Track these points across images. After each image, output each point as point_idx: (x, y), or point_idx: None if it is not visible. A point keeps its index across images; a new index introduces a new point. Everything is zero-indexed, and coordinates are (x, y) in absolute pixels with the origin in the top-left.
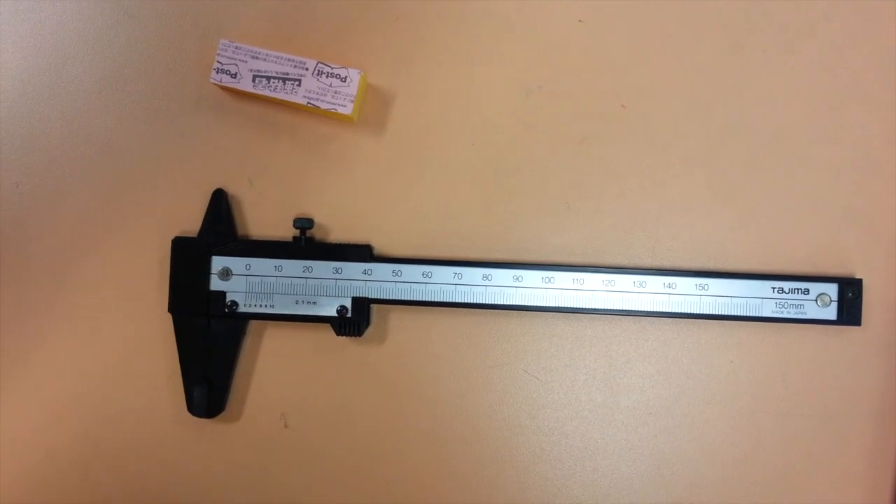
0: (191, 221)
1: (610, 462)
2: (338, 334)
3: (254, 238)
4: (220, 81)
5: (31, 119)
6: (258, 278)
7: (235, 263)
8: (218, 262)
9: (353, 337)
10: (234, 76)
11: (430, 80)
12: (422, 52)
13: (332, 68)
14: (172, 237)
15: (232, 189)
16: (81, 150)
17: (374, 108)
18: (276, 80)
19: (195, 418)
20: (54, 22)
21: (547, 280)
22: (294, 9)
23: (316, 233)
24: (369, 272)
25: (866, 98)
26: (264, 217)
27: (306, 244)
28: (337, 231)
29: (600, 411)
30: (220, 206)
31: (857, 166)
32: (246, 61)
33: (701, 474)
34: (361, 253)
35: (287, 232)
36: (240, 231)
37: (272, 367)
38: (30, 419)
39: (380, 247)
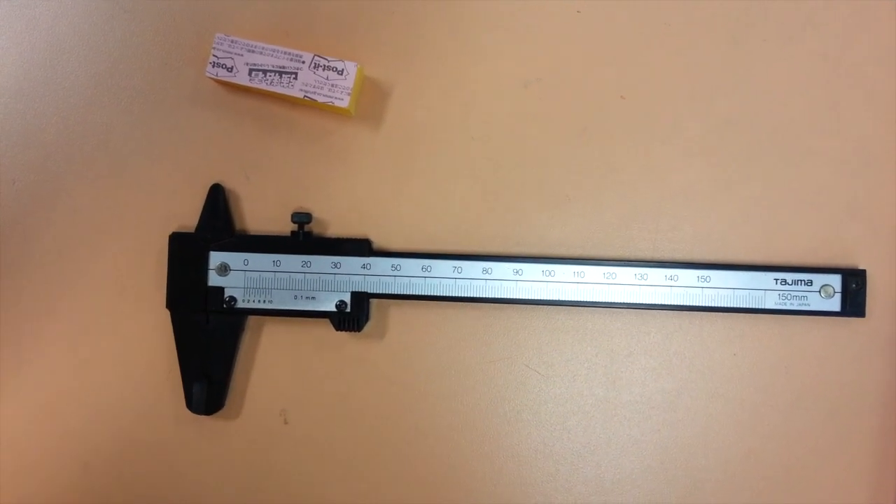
0: (188, 217)
1: (612, 457)
2: (337, 329)
3: (252, 233)
4: (217, 75)
5: (27, 115)
6: (256, 273)
7: (233, 259)
8: (216, 258)
9: (352, 332)
10: (230, 70)
11: (428, 72)
12: (420, 45)
13: (328, 61)
14: (170, 233)
15: (229, 184)
16: (78, 145)
17: (372, 101)
18: (273, 74)
19: (194, 415)
20: (49, 17)
21: (547, 273)
22: (290, 2)
23: (314, 227)
24: (368, 266)
25: (868, 89)
26: (262, 212)
27: (304, 239)
28: (335, 225)
29: (602, 406)
30: (218, 202)
31: (859, 157)
32: (242, 55)
33: (704, 468)
34: (360, 247)
35: (285, 227)
36: (237, 226)
37: (271, 362)
38: (28, 416)
39: (378, 241)
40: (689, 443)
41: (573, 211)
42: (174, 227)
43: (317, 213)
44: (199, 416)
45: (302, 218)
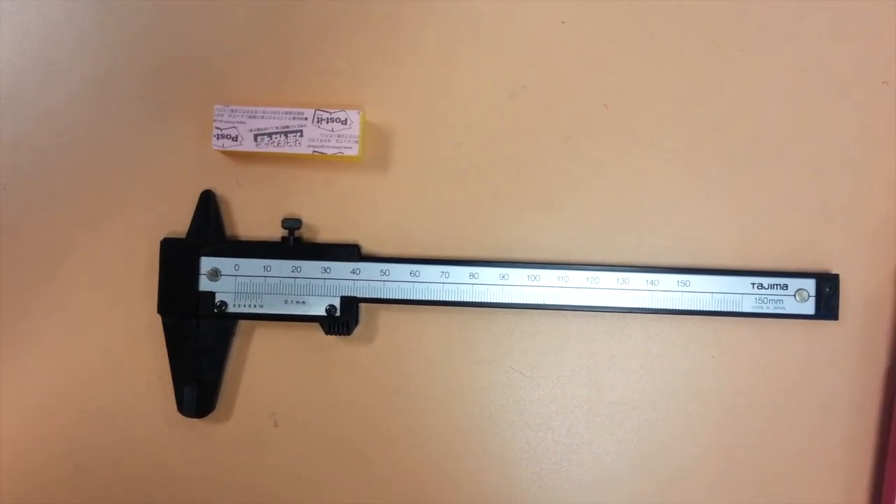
0: (179, 222)
1: (595, 456)
2: (327, 333)
3: (242, 239)
4: (223, 147)
5: (18, 119)
6: (247, 278)
7: (224, 264)
8: (207, 263)
9: (341, 336)
10: (235, 139)
11: (415, 81)
12: (406, 55)
13: (331, 113)
14: (161, 238)
15: (220, 190)
16: (69, 150)
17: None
18: (278, 135)
19: (185, 418)
20: (41, 23)
21: (532, 278)
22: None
23: (304, 233)
24: (357, 271)
25: (843, 97)
26: (253, 218)
27: (295, 244)
28: (325, 231)
29: (585, 406)
30: (209, 207)
31: (834, 164)
32: (244, 122)
33: (684, 467)
34: (349, 252)
35: (275, 232)
36: (228, 232)
37: (262, 366)
38: (19, 420)
39: (367, 246)
40: (669, 442)
41: (558, 217)
42: (165, 233)
43: (307, 218)
44: (189, 418)
45: (292, 224)
